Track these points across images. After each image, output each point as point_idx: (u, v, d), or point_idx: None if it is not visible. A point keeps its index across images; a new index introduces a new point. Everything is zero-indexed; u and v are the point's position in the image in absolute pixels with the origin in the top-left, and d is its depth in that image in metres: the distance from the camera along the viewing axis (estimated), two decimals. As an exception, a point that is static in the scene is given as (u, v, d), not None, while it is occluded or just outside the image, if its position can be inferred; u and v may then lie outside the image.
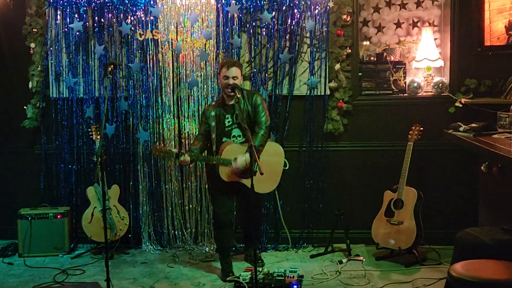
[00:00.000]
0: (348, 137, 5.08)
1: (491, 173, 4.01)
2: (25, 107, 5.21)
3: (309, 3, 4.87)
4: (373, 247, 4.79)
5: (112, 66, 3.91)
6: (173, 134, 5.06)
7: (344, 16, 4.90)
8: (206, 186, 4.95)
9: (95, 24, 5.04)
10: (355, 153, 5.10)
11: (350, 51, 4.95)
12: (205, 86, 5.01)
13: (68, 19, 5.04)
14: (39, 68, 5.16)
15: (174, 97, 5.05)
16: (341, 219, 4.82)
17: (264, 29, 4.95)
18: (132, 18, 4.98)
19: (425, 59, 4.88)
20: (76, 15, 5.03)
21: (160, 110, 5.05)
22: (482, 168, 4.13)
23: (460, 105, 4.78)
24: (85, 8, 5.03)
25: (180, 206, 5.13)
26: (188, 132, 5.03)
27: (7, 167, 5.41)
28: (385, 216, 4.63)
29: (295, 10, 4.88)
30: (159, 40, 4.97)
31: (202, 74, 5.00)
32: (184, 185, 5.10)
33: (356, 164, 5.10)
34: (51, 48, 5.10)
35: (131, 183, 5.18)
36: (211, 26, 4.93)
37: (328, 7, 4.88)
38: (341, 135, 5.07)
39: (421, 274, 4.35)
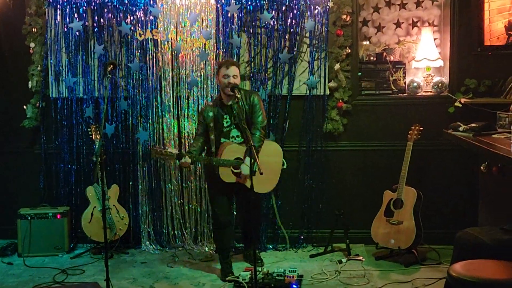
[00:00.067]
0: (347, 137, 5.08)
1: (491, 173, 4.02)
2: (24, 106, 5.21)
3: (308, 3, 4.88)
4: (373, 247, 4.79)
5: (111, 66, 3.91)
6: (172, 134, 5.06)
7: (344, 16, 4.90)
8: (206, 186, 4.95)
9: (95, 24, 5.04)
10: (354, 153, 5.10)
11: (349, 51, 4.96)
12: (205, 86, 5.01)
13: (67, 19, 5.04)
14: (38, 68, 5.16)
15: (174, 97, 5.05)
16: (340, 219, 4.82)
17: (263, 29, 4.95)
18: (131, 18, 4.98)
19: (425, 59, 4.88)
20: (75, 15, 5.03)
21: (159, 110, 5.05)
22: (481, 168, 4.13)
23: (460, 105, 4.78)
24: (84, 8, 5.03)
25: (179, 206, 5.13)
26: (188, 132, 5.03)
27: (6, 167, 5.41)
28: (384, 216, 4.63)
29: (295, 10, 4.88)
30: (158, 40, 4.97)
31: (202, 74, 5.01)
32: (183, 185, 5.11)
33: (356, 164, 5.10)
34: (50, 48, 5.10)
35: (130, 183, 5.18)
36: (211, 26, 4.93)
37: (327, 7, 4.88)
38: (340, 135, 5.07)
39: (420, 274, 4.35)
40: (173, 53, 5.00)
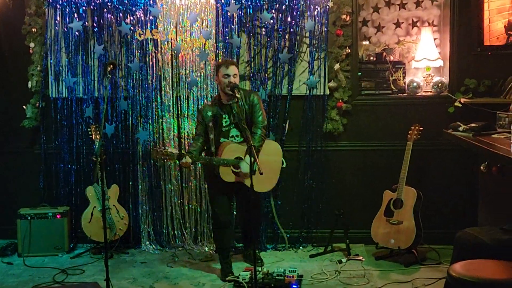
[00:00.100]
0: (347, 137, 5.08)
1: (491, 173, 4.02)
2: (24, 106, 5.21)
3: (308, 3, 4.88)
4: (373, 247, 4.79)
5: (111, 66, 3.91)
6: (172, 134, 5.06)
7: (344, 16, 4.91)
8: (206, 186, 4.95)
9: (95, 24, 5.04)
10: (354, 153, 5.10)
11: (349, 51, 4.96)
12: (205, 86, 5.01)
13: (67, 19, 5.04)
14: (38, 68, 5.16)
15: (174, 97, 5.05)
16: (340, 219, 4.82)
17: (263, 29, 4.95)
18: (131, 18, 4.98)
19: (425, 59, 4.88)
20: (75, 15, 5.03)
21: (159, 110, 5.05)
22: (481, 168, 4.13)
23: (460, 105, 4.78)
24: (84, 8, 5.03)
25: (179, 206, 5.13)
26: (187, 132, 5.03)
27: (6, 167, 5.41)
28: (384, 215, 4.63)
29: (295, 10, 4.88)
30: (158, 40, 4.97)
31: (202, 74, 5.01)
32: (183, 185, 5.11)
33: (356, 164, 5.10)
34: (50, 48, 5.10)
35: (130, 183, 5.18)
36: (211, 26, 4.93)
37: (327, 7, 4.88)
38: (340, 135, 5.07)
39: (420, 273, 4.35)
40: (173, 53, 5.00)
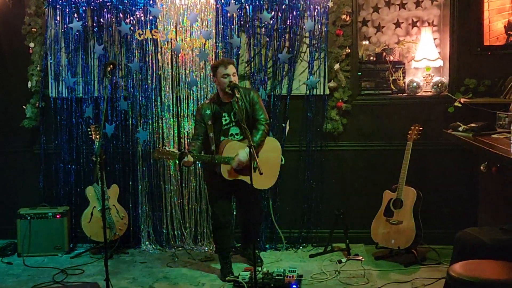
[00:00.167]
0: (347, 137, 5.08)
1: (490, 173, 4.02)
2: (24, 106, 5.21)
3: (308, 3, 4.87)
4: (373, 247, 4.79)
5: (111, 65, 3.91)
6: (172, 133, 5.06)
7: (344, 16, 4.90)
8: (205, 186, 4.95)
9: (95, 24, 5.04)
10: (354, 152, 5.10)
11: (349, 51, 4.96)
12: (204, 86, 5.01)
13: (67, 19, 5.04)
14: (38, 68, 5.16)
15: (174, 96, 5.05)
16: (340, 219, 4.82)
17: (263, 29, 4.95)
18: (131, 18, 4.98)
19: (425, 59, 4.88)
20: (75, 15, 5.03)
21: (159, 109, 5.05)
22: (481, 168, 4.13)
23: (459, 105, 4.78)
24: (84, 8, 5.03)
25: (179, 206, 5.13)
26: (187, 132, 5.03)
27: (6, 167, 5.41)
28: (384, 215, 4.63)
29: (295, 10, 4.88)
30: (158, 40, 4.97)
31: (202, 74, 5.00)
32: (183, 185, 5.10)
33: (356, 164, 5.10)
34: (50, 48, 5.10)
35: (130, 183, 5.17)
36: (210, 26, 4.93)
37: (327, 7, 4.88)
38: (340, 135, 5.07)
39: (420, 273, 4.35)
40: (172, 53, 5.00)
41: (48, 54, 5.12)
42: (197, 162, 4.48)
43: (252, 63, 5.00)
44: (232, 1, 4.84)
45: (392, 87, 5.04)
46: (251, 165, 3.79)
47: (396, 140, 4.91)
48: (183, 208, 5.13)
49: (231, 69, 4.22)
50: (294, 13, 4.88)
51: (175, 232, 5.16)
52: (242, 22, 4.95)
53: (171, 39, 4.96)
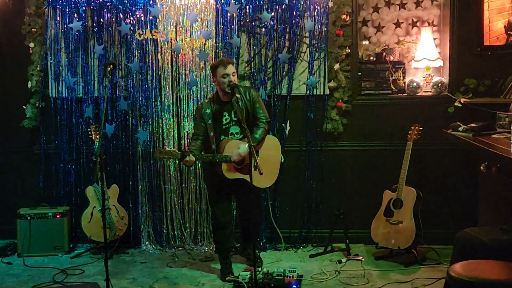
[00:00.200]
0: (347, 137, 5.08)
1: (490, 173, 4.01)
2: (24, 106, 5.21)
3: (308, 3, 4.87)
4: (373, 247, 4.79)
5: (111, 66, 3.91)
6: (172, 133, 5.06)
7: (344, 16, 4.91)
8: (205, 186, 4.95)
9: (94, 24, 5.04)
10: (354, 152, 5.10)
11: (349, 51, 4.96)
12: (204, 86, 5.01)
13: (67, 19, 5.04)
14: (38, 68, 5.16)
15: (174, 96, 5.05)
16: (340, 219, 4.82)
17: (263, 29, 4.95)
18: (131, 18, 4.97)
19: (425, 59, 4.88)
20: (75, 15, 5.03)
21: (159, 109, 5.05)
22: (481, 168, 4.13)
23: (460, 105, 4.78)
24: (84, 8, 5.03)
25: (179, 206, 5.13)
26: (187, 132, 5.03)
27: (6, 167, 5.41)
28: (384, 215, 4.63)
29: (295, 10, 4.88)
30: (158, 40, 4.97)
31: (202, 74, 5.00)
32: (183, 185, 5.10)
33: (356, 164, 5.10)
34: (50, 48, 5.10)
35: (130, 183, 5.17)
36: (210, 26, 4.93)
37: (327, 7, 4.88)
38: (340, 135, 5.07)
39: (420, 273, 4.35)
40: (172, 53, 5.00)
41: (48, 54, 5.12)
42: (197, 161, 4.48)
43: (252, 63, 5.00)
44: (232, 1, 4.84)
45: (392, 87, 5.04)
46: (251, 163, 3.79)
47: (396, 140, 4.91)
48: (183, 208, 5.13)
49: (230, 68, 4.22)
50: (294, 13, 4.88)
51: (175, 232, 5.16)
52: (242, 22, 4.95)
53: (171, 39, 4.96)
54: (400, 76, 5.02)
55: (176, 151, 4.13)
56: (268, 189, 4.91)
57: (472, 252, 3.03)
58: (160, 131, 5.07)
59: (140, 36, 4.94)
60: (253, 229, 4.52)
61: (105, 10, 5.00)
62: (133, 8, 4.96)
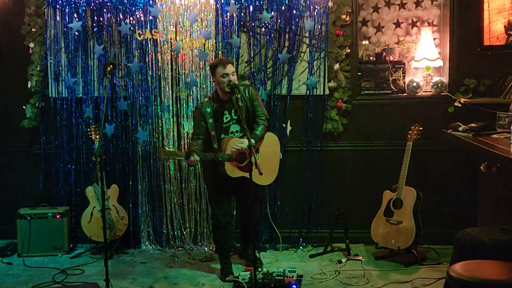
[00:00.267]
0: (347, 137, 5.08)
1: (490, 173, 4.01)
2: (24, 106, 5.21)
3: (308, 3, 4.87)
4: (373, 247, 4.79)
5: (111, 66, 3.91)
6: (172, 133, 5.06)
7: (343, 16, 4.90)
8: (205, 186, 4.95)
9: (94, 24, 5.04)
10: (354, 152, 5.10)
11: (349, 51, 4.95)
12: (204, 86, 5.01)
13: (67, 19, 5.04)
14: (38, 68, 5.16)
15: (173, 97, 5.05)
16: (340, 219, 4.81)
17: (263, 28, 4.95)
18: (131, 18, 4.97)
19: (424, 58, 4.88)
20: (75, 15, 5.03)
21: (159, 109, 5.05)
22: (481, 168, 4.13)
23: (459, 105, 4.78)
24: (84, 8, 5.03)
25: (179, 206, 5.13)
26: (187, 132, 5.03)
27: (6, 167, 5.41)
28: (384, 215, 4.63)
29: (294, 10, 4.88)
30: (158, 40, 4.97)
31: (201, 74, 5.00)
32: (183, 185, 5.10)
33: (356, 164, 5.10)
34: (50, 48, 5.09)
35: (130, 183, 5.17)
36: (210, 26, 4.93)
37: (327, 7, 4.88)
38: (340, 135, 5.07)
39: (420, 273, 4.35)
40: (172, 53, 5.00)
41: (48, 54, 5.12)
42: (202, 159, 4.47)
43: (252, 63, 5.00)
44: (232, 1, 4.84)
45: (392, 87, 5.04)
46: (251, 161, 3.78)
47: (396, 140, 4.91)
48: (183, 208, 5.13)
49: (230, 68, 4.21)
50: (294, 13, 4.88)
51: (175, 232, 5.16)
52: (242, 22, 4.95)
53: (171, 39, 4.96)
54: (400, 76, 5.02)
55: (181, 151, 4.13)
56: (267, 189, 4.90)
57: (472, 252, 3.03)
58: (160, 131, 5.07)
59: (140, 36, 4.94)
60: (253, 229, 4.51)
61: (105, 10, 5.00)
62: (133, 8, 4.96)
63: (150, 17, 4.94)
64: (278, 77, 4.98)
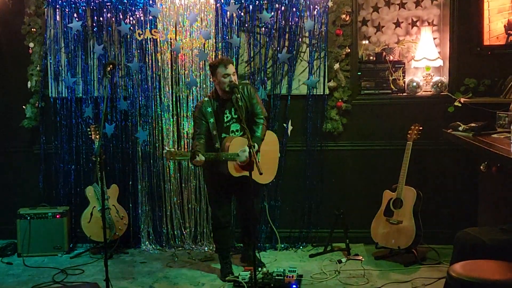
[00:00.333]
0: (347, 137, 5.08)
1: (490, 173, 4.01)
2: (24, 106, 5.21)
3: (308, 2, 4.87)
4: (373, 247, 4.79)
5: (111, 65, 3.91)
6: (172, 133, 5.06)
7: (343, 16, 4.90)
8: (205, 186, 4.94)
9: (94, 24, 5.04)
10: (354, 152, 5.10)
11: (349, 50, 4.95)
12: (204, 85, 5.00)
13: (67, 19, 5.04)
14: (38, 68, 5.16)
15: (173, 96, 5.05)
16: (340, 219, 4.81)
17: (263, 28, 4.95)
18: (131, 18, 4.97)
19: (424, 58, 4.88)
20: (75, 15, 5.03)
21: (159, 109, 5.05)
22: (481, 167, 4.13)
23: (459, 105, 4.78)
24: (84, 7, 5.03)
25: (179, 206, 5.13)
26: (187, 131, 5.03)
27: (6, 167, 5.41)
28: (384, 215, 4.63)
29: (294, 10, 4.87)
30: (158, 39, 4.97)
31: (201, 74, 5.00)
32: (183, 185, 5.10)
33: (356, 164, 5.10)
34: (50, 48, 5.09)
35: (130, 183, 5.17)
36: (210, 26, 4.93)
37: (327, 7, 4.88)
38: (340, 135, 5.07)
39: (420, 273, 4.35)
40: (172, 53, 5.00)
41: (48, 54, 5.12)
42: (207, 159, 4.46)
43: (252, 63, 4.99)
44: (232, 1, 4.84)
45: (392, 86, 5.04)
46: (251, 160, 3.78)
47: (396, 140, 4.90)
48: (183, 208, 5.13)
49: (231, 68, 4.21)
50: (294, 12, 4.88)
51: (175, 232, 5.16)
52: (242, 22, 4.95)
53: (170, 39, 4.96)
54: (400, 76, 5.02)
55: (186, 151, 4.13)
56: (266, 189, 4.90)
57: (472, 252, 3.03)
58: (160, 131, 5.06)
59: (139, 36, 4.94)
60: (253, 228, 4.51)
61: (105, 10, 5.00)
62: (133, 8, 4.96)
63: (150, 17, 4.94)
64: (278, 77, 4.98)
